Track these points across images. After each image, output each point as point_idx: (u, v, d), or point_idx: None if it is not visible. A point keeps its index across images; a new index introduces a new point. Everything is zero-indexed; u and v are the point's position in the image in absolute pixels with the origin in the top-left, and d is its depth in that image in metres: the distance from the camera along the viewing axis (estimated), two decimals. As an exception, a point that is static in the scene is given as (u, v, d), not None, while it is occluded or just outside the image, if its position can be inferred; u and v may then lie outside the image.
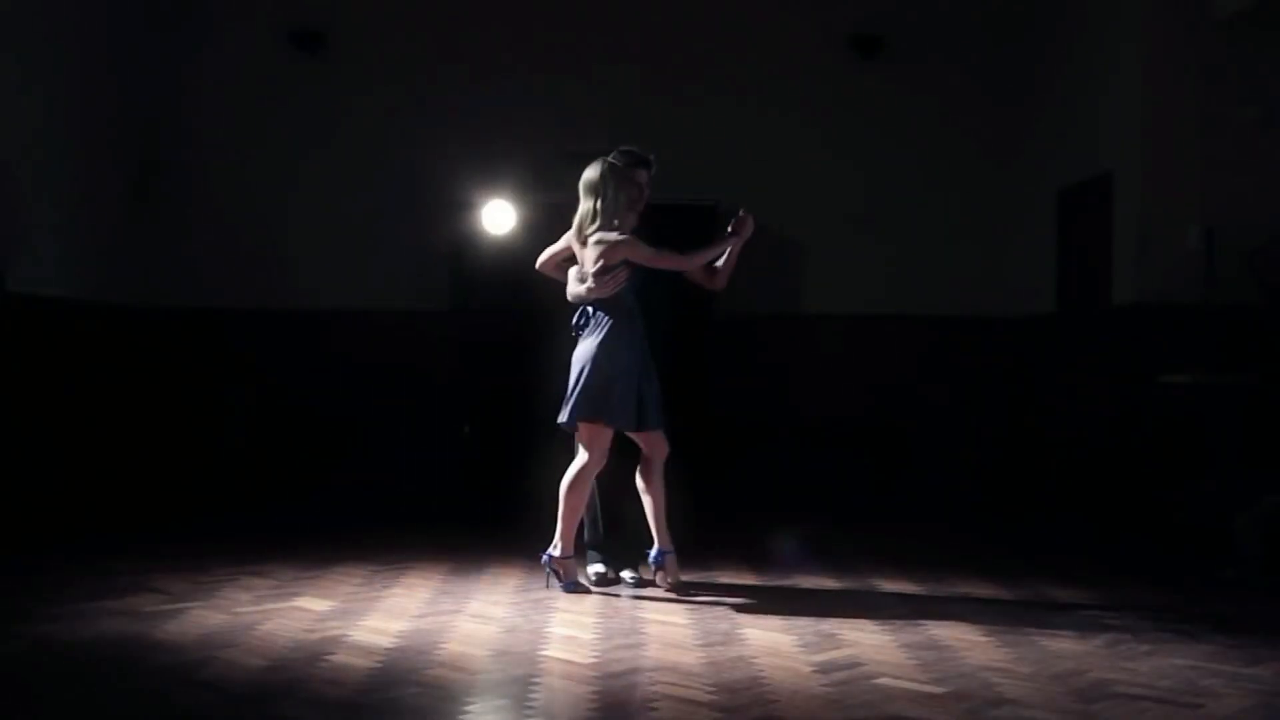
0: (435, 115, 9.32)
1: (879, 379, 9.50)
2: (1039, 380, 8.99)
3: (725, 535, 7.44)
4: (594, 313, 5.55)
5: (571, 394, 5.46)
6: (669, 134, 9.43)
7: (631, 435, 5.58)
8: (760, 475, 9.26)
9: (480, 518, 8.12)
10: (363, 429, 9.18)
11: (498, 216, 9.06)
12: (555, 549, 5.57)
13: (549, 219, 8.43)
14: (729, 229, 5.74)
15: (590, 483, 5.59)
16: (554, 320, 5.82)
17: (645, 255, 5.51)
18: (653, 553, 5.61)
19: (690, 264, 5.69)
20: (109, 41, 8.73)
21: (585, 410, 5.44)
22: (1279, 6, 7.14)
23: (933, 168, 9.58)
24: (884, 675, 4.23)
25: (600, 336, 5.48)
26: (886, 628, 5.00)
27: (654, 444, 5.61)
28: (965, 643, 4.76)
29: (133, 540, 6.89)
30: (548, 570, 5.61)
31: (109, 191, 8.75)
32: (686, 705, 3.86)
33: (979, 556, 6.79)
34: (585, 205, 5.58)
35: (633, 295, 5.56)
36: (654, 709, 3.82)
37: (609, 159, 5.66)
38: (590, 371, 5.43)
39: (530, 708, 3.84)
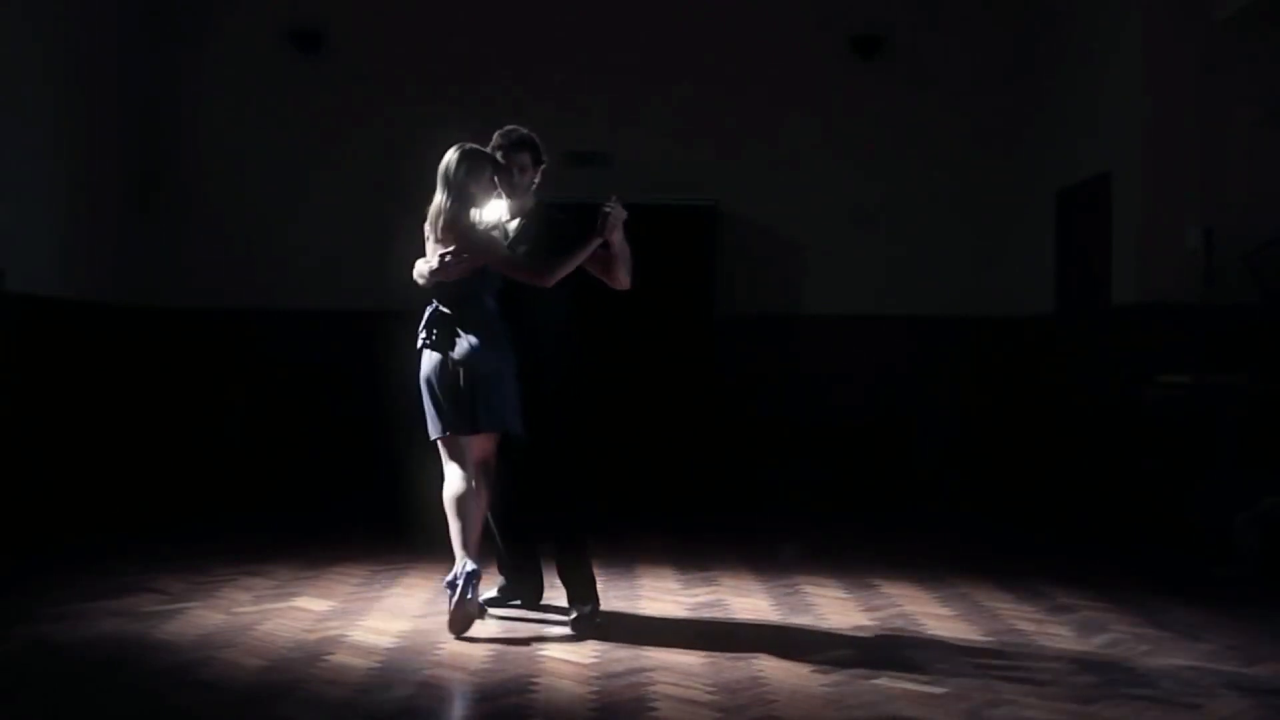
0: (434, 115, 9.29)
1: (878, 379, 9.49)
2: (1039, 380, 8.99)
3: (724, 535, 7.44)
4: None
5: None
6: (669, 134, 9.47)
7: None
8: (759, 475, 9.27)
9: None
10: (362, 428, 9.17)
11: (493, 214, 9.03)
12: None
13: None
14: (599, 226, 4.87)
15: None
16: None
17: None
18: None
19: (549, 279, 4.87)
20: (108, 41, 8.72)
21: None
22: (1279, 6, 7.13)
23: (932, 168, 9.58)
24: (884, 675, 4.23)
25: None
26: (885, 627, 5.00)
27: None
28: (965, 643, 4.76)
29: (132, 540, 6.88)
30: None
31: (109, 191, 8.75)
32: (686, 705, 3.86)
33: (978, 556, 6.79)
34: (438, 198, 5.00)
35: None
36: (654, 709, 3.82)
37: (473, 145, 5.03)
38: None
39: (530, 708, 3.84)
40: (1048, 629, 5.00)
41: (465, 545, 4.77)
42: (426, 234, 5.04)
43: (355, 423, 9.17)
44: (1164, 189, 7.55)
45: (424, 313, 5.02)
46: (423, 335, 4.99)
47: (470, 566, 4.72)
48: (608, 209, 4.84)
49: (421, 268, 5.02)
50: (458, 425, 4.87)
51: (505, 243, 5.07)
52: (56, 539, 6.87)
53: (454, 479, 4.88)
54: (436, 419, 4.93)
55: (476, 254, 4.89)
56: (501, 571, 5.35)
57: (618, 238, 4.91)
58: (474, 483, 4.91)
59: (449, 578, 4.95)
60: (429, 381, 4.94)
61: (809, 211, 9.52)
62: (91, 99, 8.45)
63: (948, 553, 6.86)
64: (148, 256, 9.14)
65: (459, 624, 4.71)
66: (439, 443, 4.95)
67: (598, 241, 4.85)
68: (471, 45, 9.45)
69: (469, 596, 4.69)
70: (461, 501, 4.83)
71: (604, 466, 8.70)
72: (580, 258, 4.87)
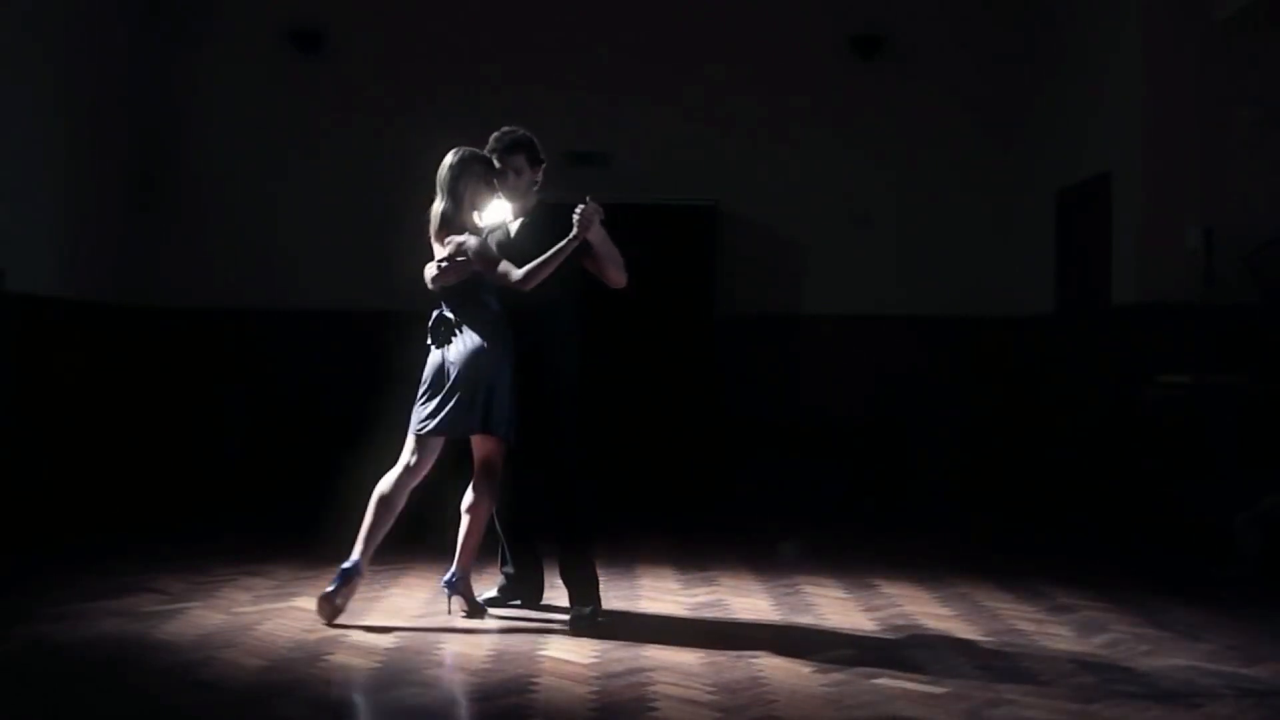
0: (434, 115, 9.31)
1: (878, 379, 9.49)
2: (1039, 380, 8.99)
3: (725, 535, 7.44)
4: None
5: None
6: (669, 134, 9.47)
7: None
8: (759, 476, 9.26)
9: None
10: (361, 429, 9.15)
11: (497, 216, 9.04)
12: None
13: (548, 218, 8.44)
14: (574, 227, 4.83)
15: None
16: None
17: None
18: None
19: (527, 282, 4.86)
20: (108, 41, 8.73)
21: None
22: (1279, 6, 7.13)
23: (932, 168, 9.57)
24: (883, 675, 4.23)
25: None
26: (885, 627, 5.00)
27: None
28: (965, 643, 4.76)
29: (132, 540, 6.88)
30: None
31: (109, 191, 8.75)
32: (686, 705, 3.86)
33: (978, 557, 6.78)
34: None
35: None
36: (654, 709, 3.82)
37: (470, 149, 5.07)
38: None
39: (530, 708, 3.84)
40: (1048, 629, 5.00)
41: (366, 541, 4.89)
42: (431, 238, 5.08)
43: (355, 423, 9.16)
44: (1164, 189, 7.55)
45: (430, 314, 5.06)
46: (428, 336, 5.03)
47: (351, 562, 4.85)
48: (579, 208, 4.83)
49: (427, 272, 5.06)
50: (453, 426, 4.89)
51: (508, 242, 5.08)
52: (56, 539, 6.87)
53: (392, 476, 4.99)
54: (423, 415, 4.96)
55: (473, 258, 4.91)
56: (502, 570, 5.36)
57: (596, 236, 4.89)
58: (475, 485, 4.98)
59: (447, 577, 5.00)
60: (427, 380, 4.99)
61: (809, 211, 9.52)
62: (92, 99, 8.44)
63: (948, 553, 6.86)
64: (147, 256, 9.14)
65: (326, 614, 4.82)
66: (414, 436, 4.98)
67: (575, 243, 4.83)
68: (471, 45, 9.45)
69: (337, 587, 4.81)
70: (384, 500, 4.95)
71: (604, 467, 8.71)
72: (557, 261, 4.83)
